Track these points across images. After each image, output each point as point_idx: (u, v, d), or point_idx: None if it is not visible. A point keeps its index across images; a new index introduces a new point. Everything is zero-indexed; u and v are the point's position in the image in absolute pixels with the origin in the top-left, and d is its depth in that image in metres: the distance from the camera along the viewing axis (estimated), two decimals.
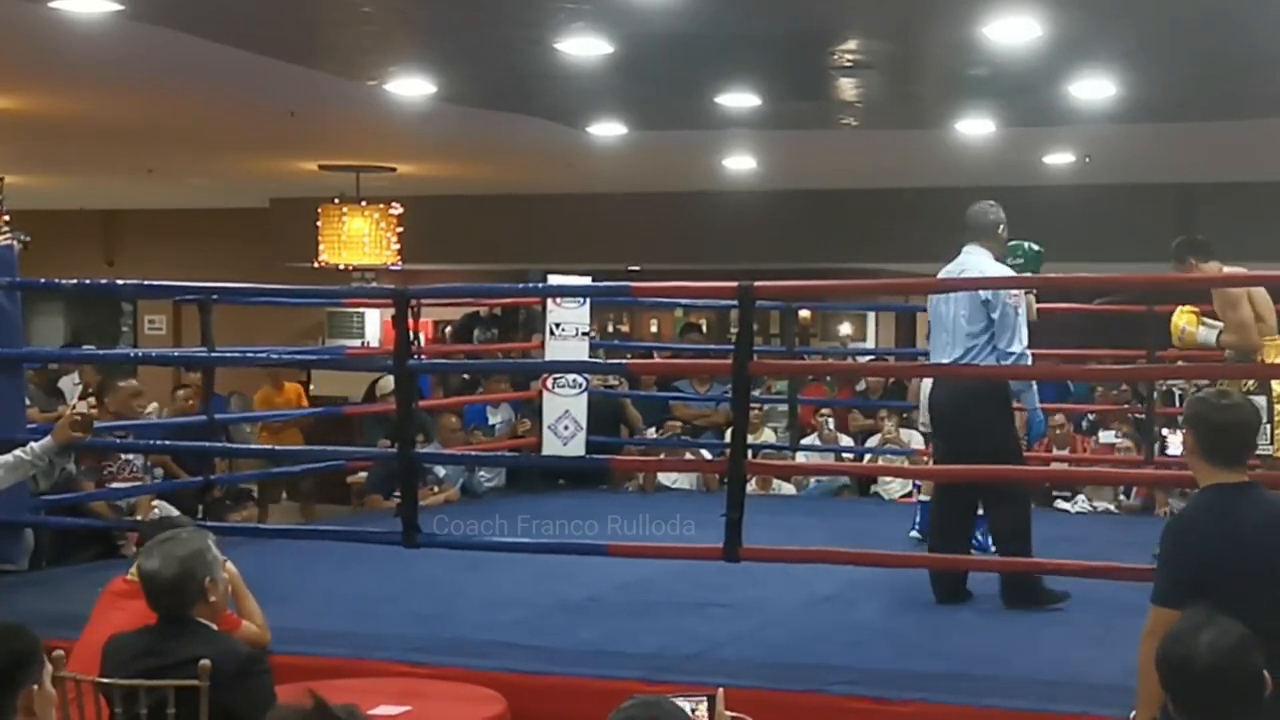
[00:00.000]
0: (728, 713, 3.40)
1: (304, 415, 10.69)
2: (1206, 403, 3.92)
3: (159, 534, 4.10)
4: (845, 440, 10.52)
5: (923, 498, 7.73)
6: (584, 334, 9.04)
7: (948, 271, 6.46)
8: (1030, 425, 6.47)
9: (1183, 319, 6.99)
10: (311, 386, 15.11)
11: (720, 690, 3.39)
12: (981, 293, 6.20)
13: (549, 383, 9.06)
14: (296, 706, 2.50)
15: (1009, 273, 6.45)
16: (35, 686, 2.89)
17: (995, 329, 6.20)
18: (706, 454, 9.85)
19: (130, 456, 7.92)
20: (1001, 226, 6.46)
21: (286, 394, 11.42)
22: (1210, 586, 3.62)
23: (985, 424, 6.24)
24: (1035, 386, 6.38)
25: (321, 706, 2.48)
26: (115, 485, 7.78)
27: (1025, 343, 6.21)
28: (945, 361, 6.33)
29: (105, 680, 3.80)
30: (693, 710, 3.37)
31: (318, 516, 10.89)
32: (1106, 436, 9.96)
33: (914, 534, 7.78)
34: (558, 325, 8.94)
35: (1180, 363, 9.68)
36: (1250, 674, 2.91)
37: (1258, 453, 6.43)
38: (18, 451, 5.45)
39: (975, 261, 6.39)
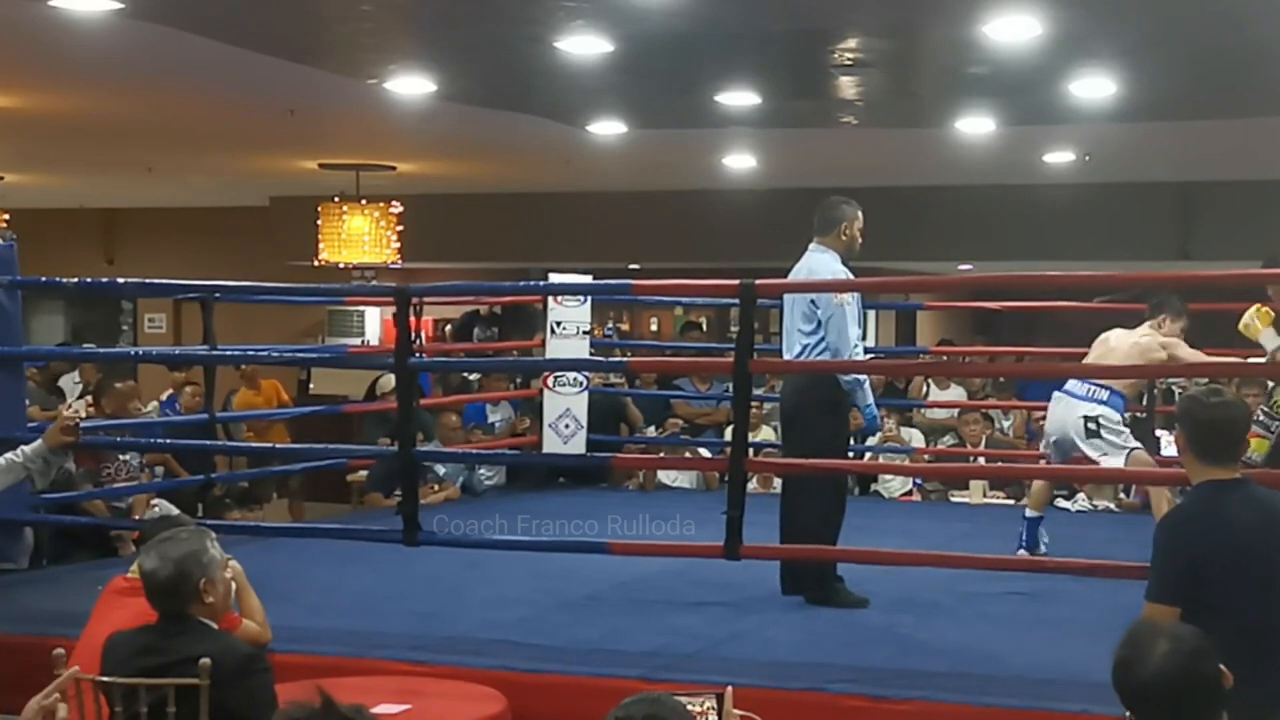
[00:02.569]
0: (736, 711, 3.40)
1: (305, 414, 10.68)
2: (1197, 400, 3.92)
3: (159, 532, 4.10)
4: None
5: (1029, 513, 7.45)
6: (584, 332, 9.05)
7: (794, 271, 6.42)
8: (865, 421, 6.44)
9: (1257, 315, 6.79)
10: (311, 385, 15.12)
11: (728, 688, 3.40)
12: (810, 294, 6.19)
13: (550, 381, 9.07)
14: (305, 704, 2.50)
15: (846, 273, 6.33)
16: None
17: (825, 329, 6.17)
18: (705, 452, 9.85)
19: (126, 456, 7.92)
20: (845, 224, 6.35)
21: (265, 393, 11.41)
22: (1203, 582, 3.62)
23: (812, 422, 6.26)
24: (867, 384, 6.34)
25: (330, 705, 2.48)
26: (115, 486, 7.79)
27: (855, 341, 6.17)
28: (789, 359, 6.34)
29: (105, 679, 3.80)
30: (698, 708, 3.37)
31: (306, 515, 10.88)
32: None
33: (1021, 551, 7.30)
34: (558, 323, 8.94)
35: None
36: (1206, 683, 2.86)
37: None
38: (10, 454, 5.49)
39: (814, 261, 6.33)
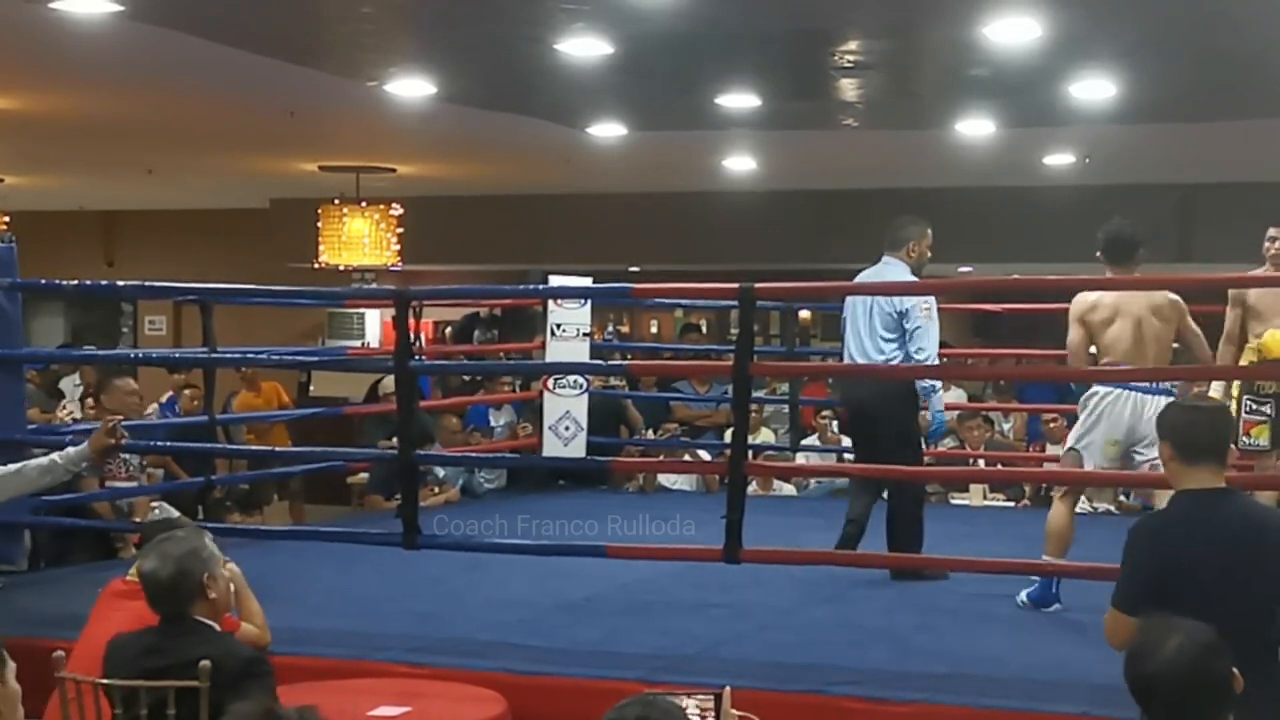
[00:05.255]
0: (734, 711, 3.40)
1: (305, 415, 10.68)
2: (1177, 406, 3.98)
3: (158, 534, 4.11)
4: (846, 441, 10.50)
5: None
6: (585, 335, 9.04)
7: (864, 277, 6.92)
8: (932, 424, 6.89)
9: None
10: (311, 387, 15.11)
11: (726, 689, 3.39)
12: (895, 304, 6.65)
13: (550, 383, 9.06)
14: (248, 708, 2.57)
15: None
16: None
17: (908, 335, 6.65)
18: (705, 455, 9.84)
19: (127, 455, 7.92)
20: (913, 242, 6.84)
21: (265, 395, 11.41)
22: (1172, 592, 3.55)
23: (890, 420, 6.75)
24: (940, 389, 6.80)
25: (270, 712, 2.58)
26: (114, 484, 7.78)
27: (932, 348, 6.68)
28: (862, 363, 6.81)
29: (105, 681, 3.80)
30: (698, 709, 3.37)
31: (306, 518, 10.87)
32: None
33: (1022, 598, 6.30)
34: (558, 326, 8.93)
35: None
36: (1214, 682, 2.85)
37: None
38: (54, 456, 5.49)
39: (890, 272, 6.80)
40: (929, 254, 6.93)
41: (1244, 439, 6.50)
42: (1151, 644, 2.85)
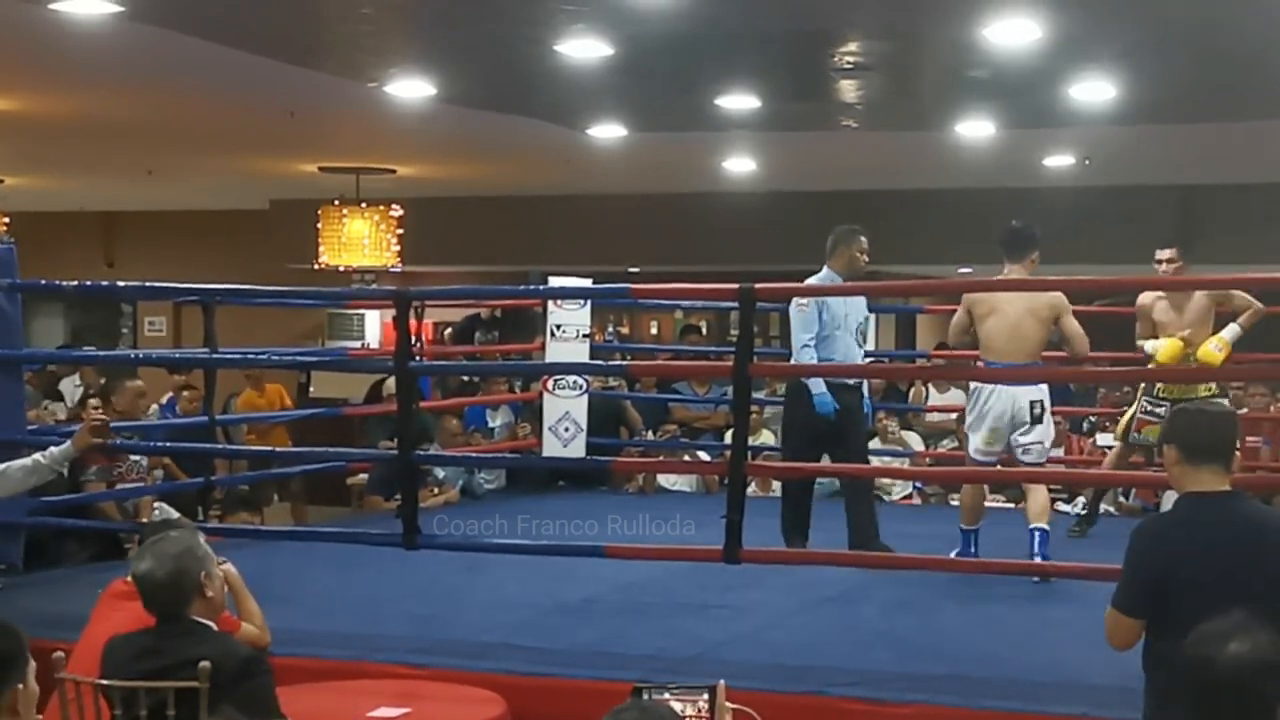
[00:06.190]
0: (730, 705, 3.40)
1: (306, 416, 10.66)
2: (1183, 410, 4.03)
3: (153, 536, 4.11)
4: None
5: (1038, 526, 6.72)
6: (584, 336, 9.04)
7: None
8: (818, 406, 6.95)
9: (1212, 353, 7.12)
10: (311, 388, 15.11)
11: (721, 683, 3.39)
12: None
13: (549, 384, 9.06)
14: None
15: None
16: (20, 686, 2.87)
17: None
18: (704, 456, 9.84)
19: (136, 457, 7.93)
20: (843, 248, 7.14)
21: (269, 395, 11.40)
22: (1180, 593, 3.55)
23: (788, 420, 7.28)
24: (819, 380, 6.97)
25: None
26: (123, 486, 7.79)
27: (801, 342, 6.99)
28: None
29: (105, 682, 3.80)
30: (692, 708, 3.37)
31: (308, 518, 10.87)
32: (1105, 439, 9.95)
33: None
34: (558, 327, 8.93)
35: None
36: (1259, 698, 2.82)
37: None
38: (37, 456, 5.51)
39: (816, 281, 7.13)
40: (862, 258, 7.17)
41: (1134, 434, 7.68)
42: (1221, 634, 2.83)
